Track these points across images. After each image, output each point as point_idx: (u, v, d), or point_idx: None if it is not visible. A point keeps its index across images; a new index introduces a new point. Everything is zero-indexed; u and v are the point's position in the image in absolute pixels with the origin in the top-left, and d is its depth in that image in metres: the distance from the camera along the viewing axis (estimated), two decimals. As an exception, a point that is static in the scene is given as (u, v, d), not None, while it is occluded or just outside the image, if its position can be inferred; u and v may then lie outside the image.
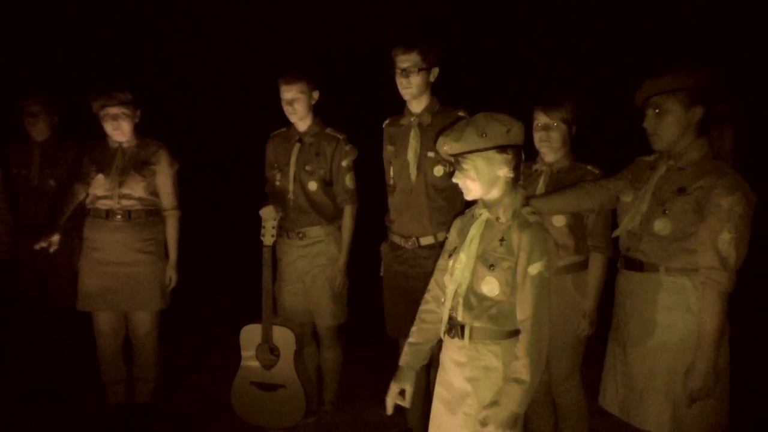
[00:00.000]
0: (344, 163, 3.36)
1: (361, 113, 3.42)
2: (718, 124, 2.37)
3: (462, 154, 2.12)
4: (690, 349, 2.29)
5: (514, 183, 2.17)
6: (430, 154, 3.11)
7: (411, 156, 3.12)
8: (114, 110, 3.28)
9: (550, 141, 2.92)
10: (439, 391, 2.29)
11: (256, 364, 3.38)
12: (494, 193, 2.16)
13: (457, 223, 2.32)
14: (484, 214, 2.19)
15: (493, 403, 2.08)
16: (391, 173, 3.23)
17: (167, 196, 3.45)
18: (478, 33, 9.04)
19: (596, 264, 2.95)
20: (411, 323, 3.13)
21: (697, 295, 2.30)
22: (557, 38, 8.77)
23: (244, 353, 3.40)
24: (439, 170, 3.13)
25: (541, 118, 2.93)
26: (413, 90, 3.05)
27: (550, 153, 2.96)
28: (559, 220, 2.91)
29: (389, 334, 3.31)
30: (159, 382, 3.59)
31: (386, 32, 3.20)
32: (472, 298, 2.14)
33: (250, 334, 3.38)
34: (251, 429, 3.45)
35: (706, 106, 2.33)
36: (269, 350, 3.36)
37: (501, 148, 2.09)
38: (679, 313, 2.34)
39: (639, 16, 8.31)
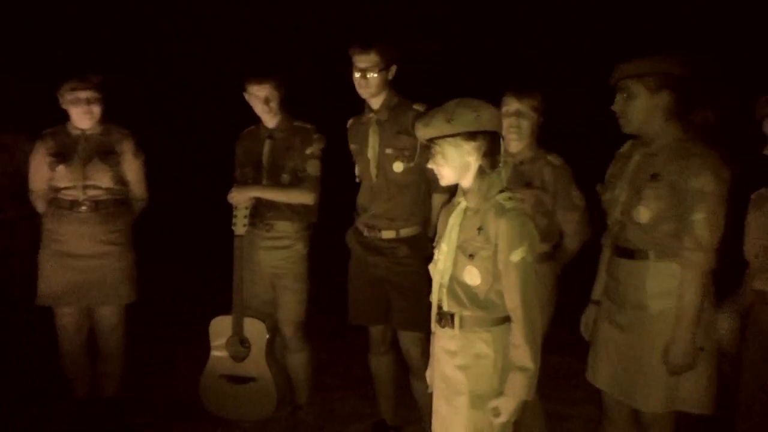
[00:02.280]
0: (308, 151, 3.32)
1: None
2: (692, 108, 2.45)
3: (432, 140, 2.10)
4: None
5: (489, 169, 2.12)
6: (389, 150, 3.10)
7: (371, 153, 3.12)
8: (86, 93, 3.19)
9: (520, 128, 2.89)
10: (435, 383, 2.27)
11: (225, 356, 3.33)
12: (467, 181, 2.14)
13: (443, 212, 2.31)
14: (462, 203, 2.17)
15: (500, 394, 2.09)
16: (357, 171, 3.24)
17: (137, 185, 3.39)
18: (478, 32, 9.03)
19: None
20: (373, 310, 3.19)
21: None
22: (557, 38, 8.75)
23: (213, 345, 3.35)
24: (398, 166, 3.09)
25: (512, 104, 2.89)
26: (372, 89, 3.04)
27: (517, 142, 2.92)
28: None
29: (350, 321, 3.30)
30: (131, 375, 3.54)
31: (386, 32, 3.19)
32: (457, 287, 2.14)
33: (220, 326, 3.33)
34: (224, 423, 3.41)
35: (676, 91, 2.37)
36: (240, 342, 3.32)
37: (469, 135, 2.07)
38: (671, 299, 2.36)
39: (639, 15, 8.28)
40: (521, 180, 2.90)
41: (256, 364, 3.32)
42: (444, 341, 2.19)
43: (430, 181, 3.07)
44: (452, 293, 2.14)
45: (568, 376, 3.62)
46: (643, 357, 2.41)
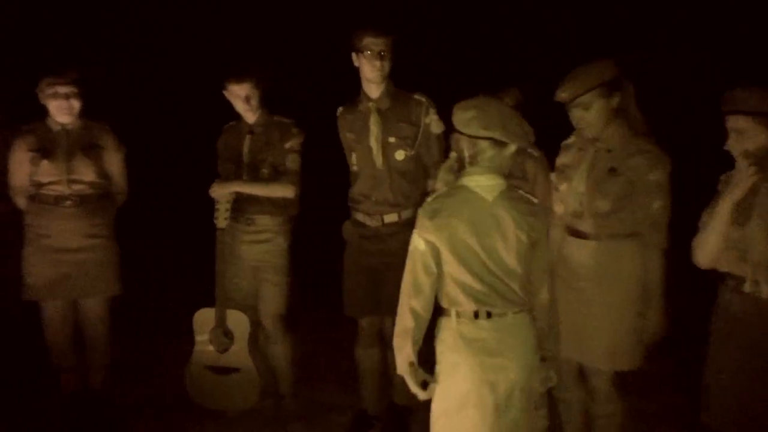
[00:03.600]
0: (287, 145, 3.36)
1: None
2: (627, 104, 2.70)
3: None
4: (631, 300, 2.66)
5: None
6: (392, 139, 3.18)
7: (373, 142, 3.18)
8: (65, 88, 3.21)
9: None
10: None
11: (210, 348, 3.39)
12: None
13: None
14: None
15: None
16: (354, 160, 3.28)
17: (119, 179, 3.43)
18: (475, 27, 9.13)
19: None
20: (370, 301, 3.27)
21: (631, 256, 2.65)
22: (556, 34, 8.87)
23: (197, 338, 3.41)
24: (400, 154, 3.19)
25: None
26: (385, 72, 3.13)
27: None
28: None
29: (347, 313, 3.37)
30: (117, 368, 3.58)
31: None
32: None
33: (204, 318, 3.39)
34: (210, 415, 3.47)
35: (620, 91, 2.65)
36: (223, 334, 3.37)
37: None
38: (620, 274, 2.67)
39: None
40: None
41: (240, 355, 3.38)
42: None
43: (426, 167, 3.24)
44: None
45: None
46: (590, 320, 2.70)
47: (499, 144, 2.15)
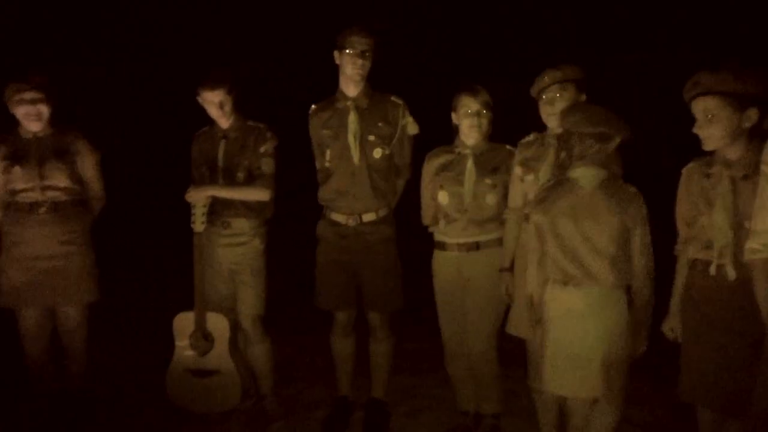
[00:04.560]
0: (262, 149, 3.41)
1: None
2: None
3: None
4: None
5: None
6: (371, 137, 3.28)
7: (351, 139, 3.25)
8: (30, 94, 3.21)
9: (480, 126, 3.15)
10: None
11: (190, 351, 3.43)
12: None
13: None
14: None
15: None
16: (328, 157, 3.34)
17: (94, 184, 3.46)
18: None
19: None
20: (346, 295, 3.37)
21: None
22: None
23: (177, 342, 3.44)
24: (378, 152, 3.30)
25: (472, 105, 3.13)
26: (365, 72, 3.24)
27: (479, 137, 3.16)
28: (491, 198, 3.14)
29: (321, 307, 3.46)
30: (97, 373, 3.63)
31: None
32: None
33: (183, 322, 3.42)
34: (193, 417, 3.49)
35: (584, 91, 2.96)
36: (203, 337, 3.41)
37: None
38: None
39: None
40: (487, 167, 3.14)
41: (220, 357, 3.42)
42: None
43: (398, 167, 3.37)
44: None
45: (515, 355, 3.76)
46: None
47: (605, 138, 2.50)
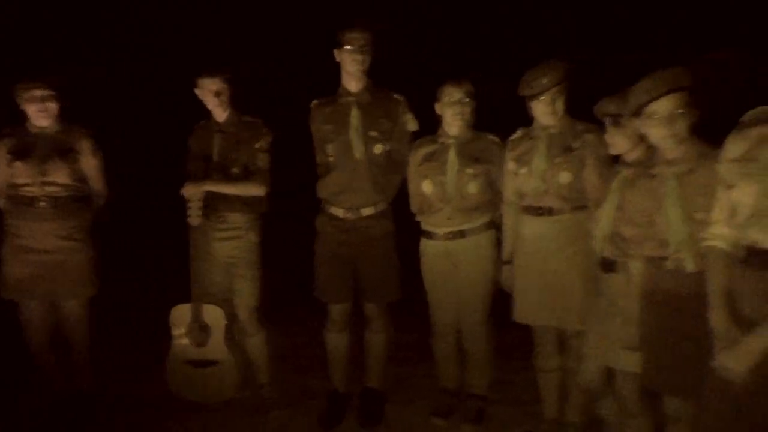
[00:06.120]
0: (257, 145, 3.47)
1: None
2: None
3: None
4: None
5: None
6: (373, 133, 3.33)
7: (353, 135, 3.31)
8: (40, 91, 3.29)
9: (463, 114, 3.21)
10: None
11: (187, 342, 3.50)
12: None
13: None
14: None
15: None
16: (329, 151, 3.39)
17: (96, 182, 3.52)
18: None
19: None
20: (343, 288, 3.43)
21: (588, 219, 2.84)
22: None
23: (175, 333, 3.51)
24: (378, 148, 3.35)
25: (455, 94, 3.21)
26: (366, 66, 3.30)
27: (462, 126, 3.23)
28: (473, 187, 3.20)
29: (321, 299, 3.52)
30: (99, 367, 3.70)
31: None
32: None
33: (180, 314, 3.49)
34: (192, 408, 3.56)
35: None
36: (200, 328, 3.48)
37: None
38: (581, 240, 2.88)
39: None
40: (469, 156, 3.22)
41: (217, 347, 3.49)
42: None
43: (396, 163, 3.41)
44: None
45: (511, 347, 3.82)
46: (568, 285, 2.97)
47: None
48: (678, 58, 2.54)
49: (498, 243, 3.30)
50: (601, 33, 8.86)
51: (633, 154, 2.63)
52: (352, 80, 3.34)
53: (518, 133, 3.17)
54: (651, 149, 2.49)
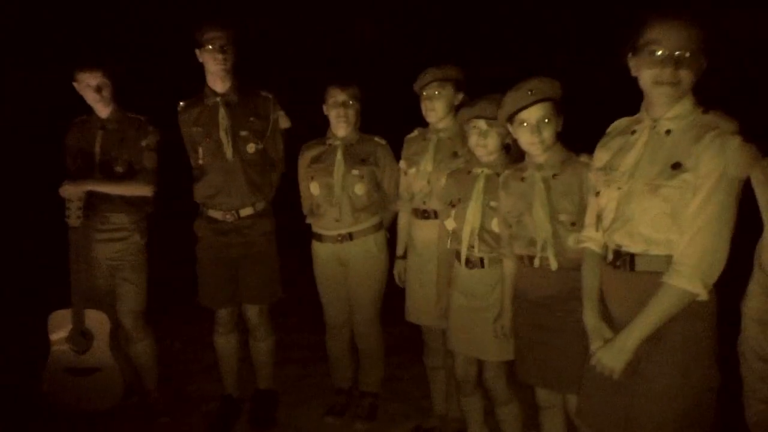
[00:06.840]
0: (144, 143, 3.36)
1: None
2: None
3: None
4: None
5: None
6: (243, 132, 3.27)
7: (223, 135, 3.24)
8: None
9: (347, 116, 3.24)
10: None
11: (67, 349, 3.34)
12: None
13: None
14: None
15: None
16: (200, 154, 3.31)
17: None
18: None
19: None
20: (228, 292, 3.38)
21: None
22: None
23: (53, 340, 3.34)
24: (251, 147, 3.29)
25: (339, 96, 3.22)
26: (228, 67, 3.22)
27: (347, 128, 3.27)
28: (359, 189, 3.25)
29: (204, 304, 3.45)
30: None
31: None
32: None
33: (59, 320, 3.32)
34: (77, 415, 3.40)
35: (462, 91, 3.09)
36: (81, 334, 3.33)
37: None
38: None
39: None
40: (356, 158, 3.25)
41: (100, 354, 3.35)
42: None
43: (272, 161, 3.38)
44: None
45: (400, 344, 3.89)
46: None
47: None
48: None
49: (387, 243, 3.38)
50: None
51: (492, 156, 2.70)
52: (217, 80, 3.26)
53: (414, 133, 3.23)
54: (508, 155, 2.67)
